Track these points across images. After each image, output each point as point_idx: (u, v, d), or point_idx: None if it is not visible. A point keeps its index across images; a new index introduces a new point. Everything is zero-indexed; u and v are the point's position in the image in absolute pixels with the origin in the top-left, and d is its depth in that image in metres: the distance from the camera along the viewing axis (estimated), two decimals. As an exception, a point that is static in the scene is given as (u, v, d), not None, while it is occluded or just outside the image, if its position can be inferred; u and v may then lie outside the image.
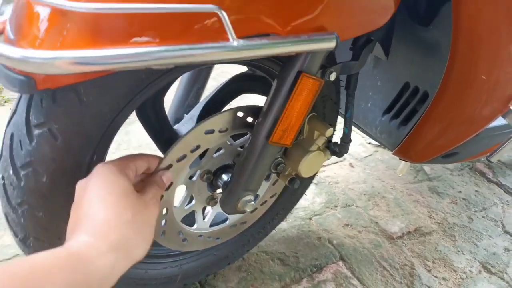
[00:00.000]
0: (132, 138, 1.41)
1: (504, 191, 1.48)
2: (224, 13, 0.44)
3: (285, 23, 0.50)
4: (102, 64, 0.40)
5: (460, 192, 1.44)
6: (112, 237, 0.41)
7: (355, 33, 0.57)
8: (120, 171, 0.49)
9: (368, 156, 1.54)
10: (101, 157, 0.58)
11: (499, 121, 0.79)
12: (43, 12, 0.42)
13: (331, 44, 0.51)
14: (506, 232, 1.30)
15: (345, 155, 1.51)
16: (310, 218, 1.22)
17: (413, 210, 1.32)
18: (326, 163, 1.46)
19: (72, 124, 0.50)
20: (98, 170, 0.48)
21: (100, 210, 0.43)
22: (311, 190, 1.32)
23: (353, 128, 1.05)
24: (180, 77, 0.84)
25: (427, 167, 1.53)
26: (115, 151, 1.35)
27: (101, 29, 0.43)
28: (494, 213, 1.37)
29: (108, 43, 0.43)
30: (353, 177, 1.42)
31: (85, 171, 0.56)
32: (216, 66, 0.94)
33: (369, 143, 1.61)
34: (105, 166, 0.49)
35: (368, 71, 0.93)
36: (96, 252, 0.39)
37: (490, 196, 1.45)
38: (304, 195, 1.26)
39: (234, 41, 0.46)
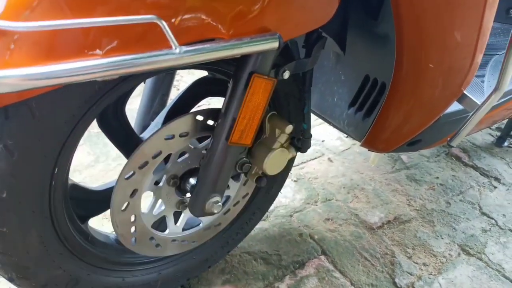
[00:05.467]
0: (110, 150, 1.42)
1: (480, 174, 1.52)
2: (164, 23, 0.46)
3: (228, 27, 0.52)
4: (45, 80, 0.42)
5: (437, 178, 1.47)
6: None
7: (299, 32, 0.58)
8: None
9: (346, 149, 1.57)
10: (63, 169, 0.59)
11: (457, 106, 0.82)
12: (-15, 34, 0.43)
13: (274, 44, 0.53)
14: (483, 214, 1.33)
15: (324, 150, 1.54)
16: (291, 215, 1.24)
17: (392, 199, 1.35)
18: (305, 159, 1.48)
19: (27, 139, 0.52)
20: None
21: None
22: (291, 187, 1.34)
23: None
24: (144, 86, 0.86)
25: (404, 156, 1.56)
26: (94, 163, 1.36)
27: (45, 45, 0.45)
28: (471, 196, 1.40)
29: (53, 58, 0.45)
30: (332, 172, 1.44)
31: (48, 184, 0.57)
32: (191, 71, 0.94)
33: (347, 137, 1.63)
34: None
35: (332, 66, 0.95)
36: None
37: (466, 180, 1.48)
38: (283, 193, 1.28)
39: (176, 48, 0.47)
